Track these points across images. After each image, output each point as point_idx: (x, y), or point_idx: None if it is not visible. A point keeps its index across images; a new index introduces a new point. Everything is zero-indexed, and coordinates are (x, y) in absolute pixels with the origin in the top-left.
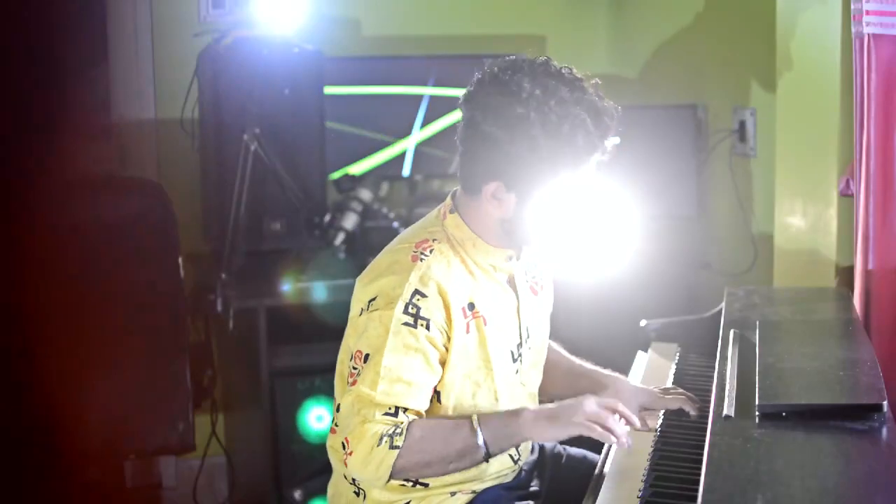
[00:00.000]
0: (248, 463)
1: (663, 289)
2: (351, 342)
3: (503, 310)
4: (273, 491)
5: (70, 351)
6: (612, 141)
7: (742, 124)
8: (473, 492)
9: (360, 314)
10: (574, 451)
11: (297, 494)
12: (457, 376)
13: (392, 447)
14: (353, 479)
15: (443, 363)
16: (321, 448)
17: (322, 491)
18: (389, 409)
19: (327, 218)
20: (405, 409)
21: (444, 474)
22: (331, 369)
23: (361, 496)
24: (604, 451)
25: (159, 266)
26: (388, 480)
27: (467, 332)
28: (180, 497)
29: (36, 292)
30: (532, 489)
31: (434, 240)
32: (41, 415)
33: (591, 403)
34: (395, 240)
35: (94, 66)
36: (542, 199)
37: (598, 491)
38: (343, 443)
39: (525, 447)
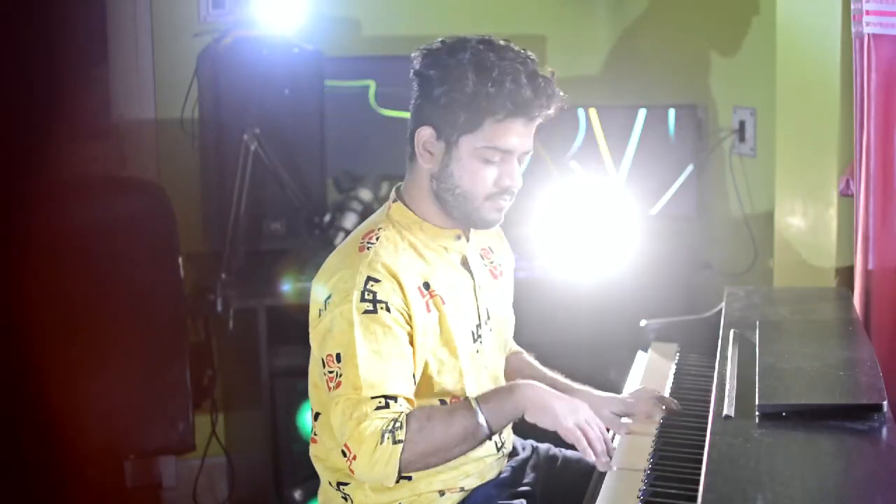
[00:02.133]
0: (248, 463)
1: (663, 289)
2: (316, 348)
3: (459, 290)
4: (273, 491)
5: (70, 351)
6: (545, 110)
7: (742, 124)
8: (462, 489)
9: (319, 315)
10: (570, 452)
11: (297, 494)
12: (421, 355)
13: (395, 442)
14: (339, 485)
15: (411, 343)
16: None
17: None
18: (379, 401)
19: (327, 218)
20: (395, 398)
21: (448, 460)
22: None
23: (349, 501)
24: None
25: (159, 266)
26: (399, 478)
27: (428, 311)
28: (180, 497)
29: (36, 292)
30: (523, 488)
31: (379, 228)
32: (41, 415)
33: (584, 413)
34: (345, 239)
35: (94, 66)
36: (467, 150)
37: (598, 491)
38: (344, 451)
39: (509, 437)
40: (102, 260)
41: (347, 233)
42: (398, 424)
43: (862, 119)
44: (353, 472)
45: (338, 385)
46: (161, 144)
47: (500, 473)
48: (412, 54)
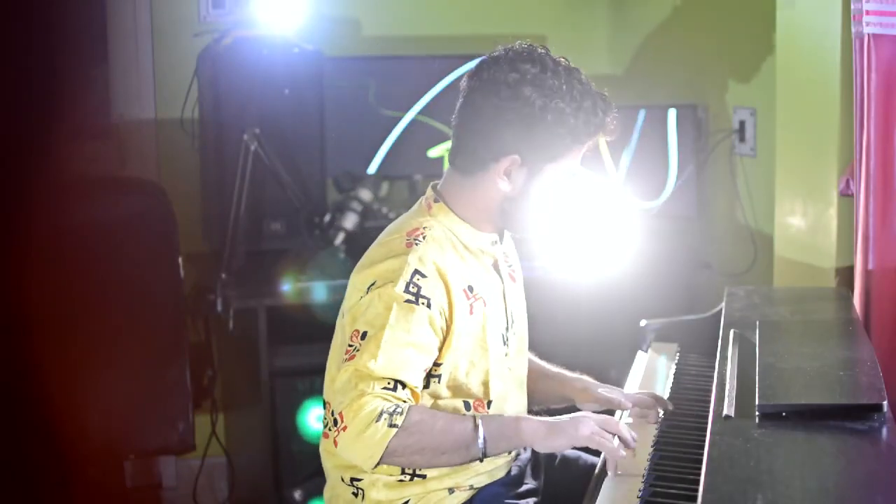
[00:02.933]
0: (248, 463)
1: (663, 289)
2: (348, 329)
3: (493, 293)
4: (273, 491)
5: (70, 351)
6: (612, 129)
7: (742, 124)
8: (471, 487)
9: (360, 300)
10: (569, 452)
11: (297, 494)
12: (455, 356)
13: (391, 425)
14: (352, 480)
15: (439, 347)
16: None
17: (322, 491)
18: (388, 382)
19: (327, 218)
20: (403, 385)
21: (432, 466)
22: None
23: (360, 496)
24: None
25: (159, 266)
26: (378, 463)
27: (471, 313)
28: (180, 497)
29: (36, 292)
30: (527, 487)
31: (425, 227)
32: (41, 415)
33: (595, 417)
34: (384, 233)
35: (94, 66)
36: (551, 177)
37: (598, 491)
38: (336, 418)
39: None
40: (102, 260)
41: (347, 233)
42: (399, 410)
43: (862, 119)
44: (336, 443)
45: (351, 357)
46: (161, 144)
47: (509, 472)
48: (479, 65)
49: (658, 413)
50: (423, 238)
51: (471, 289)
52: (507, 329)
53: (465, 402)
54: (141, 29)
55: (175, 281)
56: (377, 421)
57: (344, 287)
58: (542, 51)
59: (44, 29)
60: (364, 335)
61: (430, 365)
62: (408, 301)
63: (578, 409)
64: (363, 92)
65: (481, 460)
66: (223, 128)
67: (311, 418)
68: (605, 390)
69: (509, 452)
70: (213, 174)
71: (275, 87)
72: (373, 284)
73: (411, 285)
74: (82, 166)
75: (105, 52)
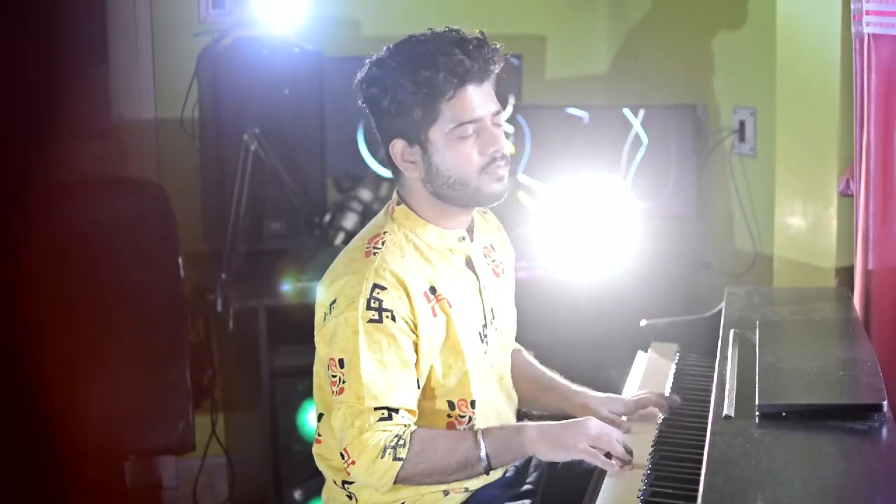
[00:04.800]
0: (248, 463)
1: (663, 289)
2: (321, 349)
3: (465, 291)
4: (273, 491)
5: (70, 351)
6: (489, 69)
7: (742, 124)
8: (466, 489)
9: (325, 319)
10: None
11: (297, 494)
12: (427, 361)
13: (396, 458)
14: (344, 484)
15: (416, 351)
16: None
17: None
18: (382, 413)
19: (327, 218)
20: (397, 410)
21: (442, 483)
22: None
23: (353, 500)
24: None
25: (159, 266)
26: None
27: (434, 315)
28: (180, 497)
29: (35, 293)
30: (526, 487)
31: (385, 232)
32: (41, 415)
33: (593, 428)
34: (351, 241)
35: (94, 66)
36: (440, 139)
37: (598, 491)
38: (342, 453)
39: None
40: (102, 260)
41: (347, 232)
42: (401, 442)
43: (862, 119)
44: (349, 473)
45: (341, 391)
46: (161, 144)
47: (505, 473)
48: (353, 86)
49: (667, 407)
50: (383, 244)
51: (433, 290)
52: (485, 326)
53: (448, 401)
54: (141, 29)
55: (175, 281)
56: (382, 457)
57: None
58: (398, 42)
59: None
60: (341, 363)
61: (415, 373)
62: (371, 321)
63: None
64: None
65: (487, 473)
66: (223, 128)
67: (312, 418)
68: (608, 410)
69: None
70: (213, 174)
71: (275, 87)
72: (334, 303)
73: (372, 300)
74: (82, 166)
75: (105, 52)
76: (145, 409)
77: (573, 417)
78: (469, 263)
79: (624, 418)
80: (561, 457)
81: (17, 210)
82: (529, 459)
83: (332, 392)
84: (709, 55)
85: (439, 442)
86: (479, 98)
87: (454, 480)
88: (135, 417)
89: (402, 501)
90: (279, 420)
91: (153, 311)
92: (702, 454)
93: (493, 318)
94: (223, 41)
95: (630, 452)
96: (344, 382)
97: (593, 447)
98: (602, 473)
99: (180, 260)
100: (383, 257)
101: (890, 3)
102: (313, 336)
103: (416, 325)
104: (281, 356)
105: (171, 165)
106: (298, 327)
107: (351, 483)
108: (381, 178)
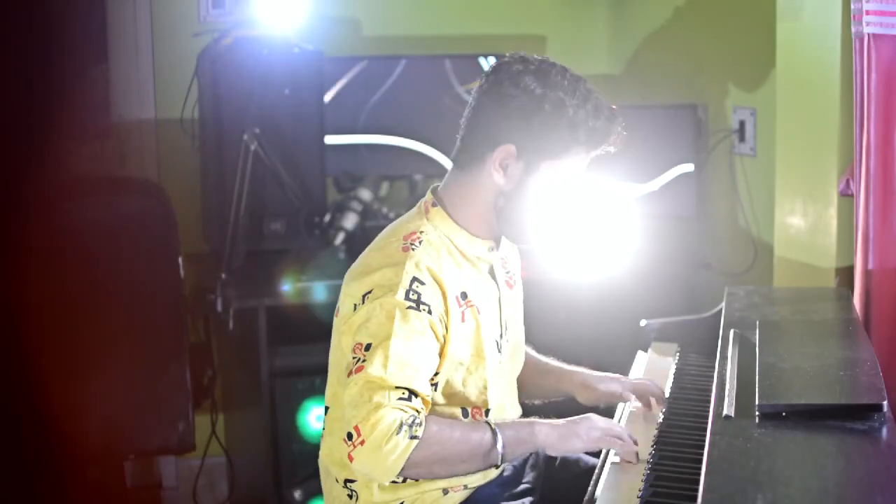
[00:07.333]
0: (248, 463)
1: (663, 289)
2: (345, 340)
3: (489, 300)
4: (273, 491)
5: (70, 351)
6: (617, 140)
7: (742, 124)
8: (465, 486)
9: (354, 309)
10: None
11: (297, 494)
12: (451, 364)
13: (412, 437)
14: (346, 482)
15: (439, 353)
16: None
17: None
18: (403, 392)
19: (327, 218)
20: (416, 394)
21: (451, 475)
22: None
23: (354, 498)
24: (602, 451)
25: (159, 266)
26: (396, 475)
27: (463, 320)
28: (180, 497)
29: (36, 292)
30: (524, 486)
31: (421, 231)
32: (42, 415)
33: (602, 421)
34: (379, 237)
35: (94, 66)
36: (547, 176)
37: (598, 491)
38: (351, 432)
39: None
40: (102, 260)
41: (347, 232)
42: (417, 421)
43: (862, 119)
44: (351, 458)
45: (359, 369)
46: (161, 144)
47: (503, 472)
48: (490, 66)
49: (660, 407)
50: (420, 243)
51: (464, 295)
52: (500, 336)
53: (462, 409)
54: (141, 29)
55: (175, 281)
56: (398, 433)
57: None
58: (555, 61)
59: (44, 29)
60: (368, 346)
61: (433, 371)
62: (410, 308)
63: (578, 402)
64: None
65: (498, 466)
66: (223, 128)
67: (311, 418)
68: (605, 385)
69: None
70: (213, 174)
71: (275, 87)
72: (369, 293)
73: (411, 293)
74: (82, 166)
75: (105, 52)
76: (145, 409)
77: (572, 397)
78: (492, 273)
79: (626, 395)
80: (576, 446)
81: (17, 210)
82: (527, 459)
83: (350, 374)
84: (709, 55)
85: (454, 427)
86: (588, 162)
87: (464, 471)
88: (135, 417)
89: (401, 501)
90: (279, 420)
91: (153, 312)
92: (702, 454)
93: (507, 329)
94: (223, 41)
95: (636, 443)
96: (364, 361)
97: (607, 436)
98: (602, 473)
99: (180, 260)
100: (421, 254)
101: (890, 3)
102: (313, 336)
103: (447, 327)
104: (281, 356)
105: (171, 165)
106: (298, 327)
107: (353, 481)
108: (381, 178)
